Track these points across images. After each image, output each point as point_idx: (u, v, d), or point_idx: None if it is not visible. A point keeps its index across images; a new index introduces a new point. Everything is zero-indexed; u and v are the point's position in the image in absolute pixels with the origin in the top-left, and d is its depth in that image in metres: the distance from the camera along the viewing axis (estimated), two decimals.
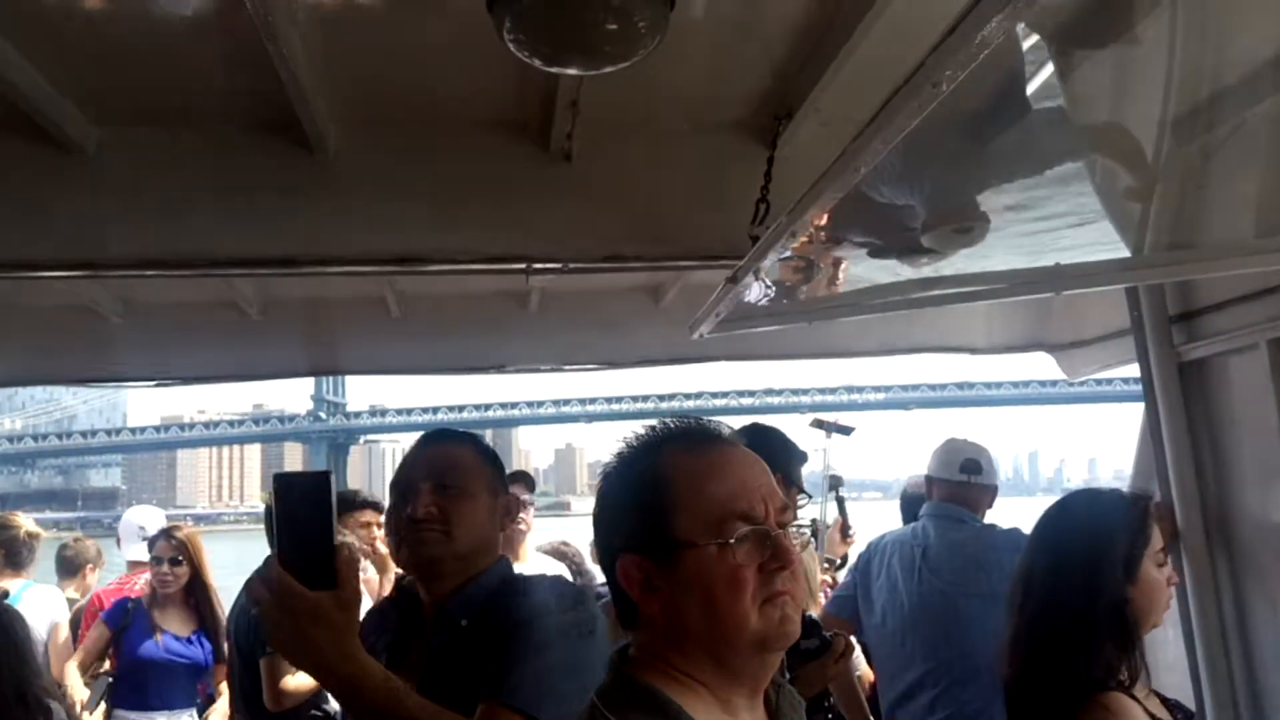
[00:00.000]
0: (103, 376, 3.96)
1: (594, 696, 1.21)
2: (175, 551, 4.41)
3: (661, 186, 2.56)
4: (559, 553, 4.93)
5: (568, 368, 4.18)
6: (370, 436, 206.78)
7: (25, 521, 4.76)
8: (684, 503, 1.17)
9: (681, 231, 2.55)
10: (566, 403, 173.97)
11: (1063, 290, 2.81)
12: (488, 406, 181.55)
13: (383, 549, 5.05)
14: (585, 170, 2.51)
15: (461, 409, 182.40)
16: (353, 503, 4.60)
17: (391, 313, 3.82)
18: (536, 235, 2.51)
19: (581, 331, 4.09)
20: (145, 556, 4.64)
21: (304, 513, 1.46)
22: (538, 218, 2.51)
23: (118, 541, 5.18)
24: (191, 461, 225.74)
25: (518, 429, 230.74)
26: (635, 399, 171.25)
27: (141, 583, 4.66)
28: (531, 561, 4.36)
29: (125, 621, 4.46)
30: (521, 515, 3.54)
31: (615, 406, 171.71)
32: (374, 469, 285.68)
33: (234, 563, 5.49)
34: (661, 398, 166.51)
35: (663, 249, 2.56)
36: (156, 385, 3.93)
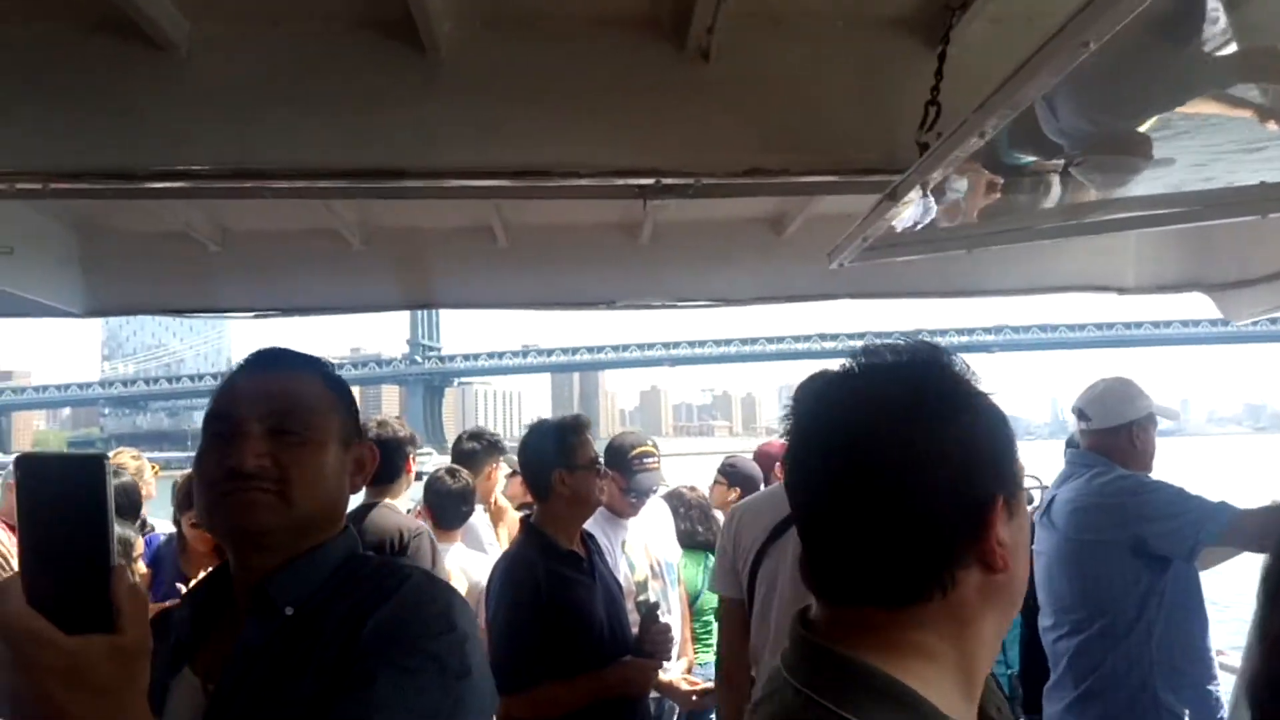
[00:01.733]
0: (201, 306, 3.83)
1: (796, 683, 0.96)
2: None
3: (811, 90, 2.25)
4: (679, 496, 4.68)
5: (680, 304, 3.92)
6: (464, 379, 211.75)
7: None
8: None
9: (833, 142, 2.24)
10: (650, 346, 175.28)
11: (1239, 216, 2.46)
12: (574, 350, 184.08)
13: (504, 502, 4.88)
14: (725, 71, 2.22)
15: (550, 352, 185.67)
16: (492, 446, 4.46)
17: (498, 243, 3.60)
18: (667, 146, 2.23)
19: (696, 265, 3.82)
20: None
21: (63, 518, 0.92)
22: (669, 126, 2.23)
23: None
24: None
25: (603, 372, 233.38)
26: (721, 342, 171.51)
27: None
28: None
29: None
30: (600, 484, 3.14)
31: (699, 350, 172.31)
32: (467, 410, 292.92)
33: None
34: (783, 339, 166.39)
35: (810, 161, 2.25)
36: (255, 316, 3.78)
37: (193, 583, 3.61)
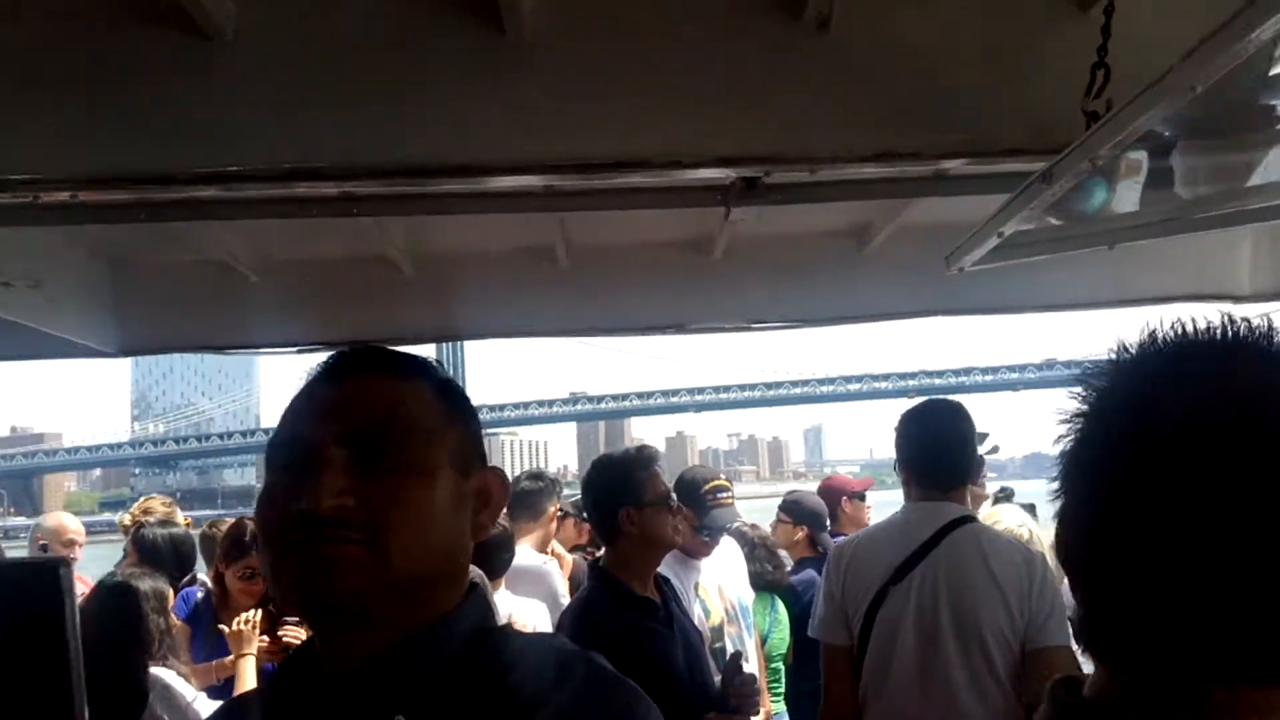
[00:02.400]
0: (240, 343, 3.55)
1: None
2: None
3: (945, 60, 1.96)
4: (742, 535, 4.37)
5: (755, 326, 3.61)
6: (490, 430, 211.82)
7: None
8: None
9: (971, 118, 1.94)
10: (675, 393, 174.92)
11: None
12: (599, 398, 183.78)
13: (560, 549, 4.53)
14: (846, 40, 1.92)
15: (575, 400, 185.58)
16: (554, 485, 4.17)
17: (558, 264, 3.32)
18: (781, 125, 1.94)
19: (773, 283, 3.51)
20: None
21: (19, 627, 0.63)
22: (783, 104, 1.94)
23: None
24: None
25: (629, 420, 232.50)
26: (746, 386, 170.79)
27: None
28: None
29: None
30: (673, 521, 2.87)
31: (723, 396, 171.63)
32: (494, 461, 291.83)
33: None
34: (808, 382, 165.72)
35: (947, 143, 1.95)
36: (298, 351, 3.50)
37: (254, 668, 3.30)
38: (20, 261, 2.74)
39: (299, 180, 1.93)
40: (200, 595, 3.98)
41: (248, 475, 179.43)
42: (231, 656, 3.42)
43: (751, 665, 3.71)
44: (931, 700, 2.58)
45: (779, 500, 5.08)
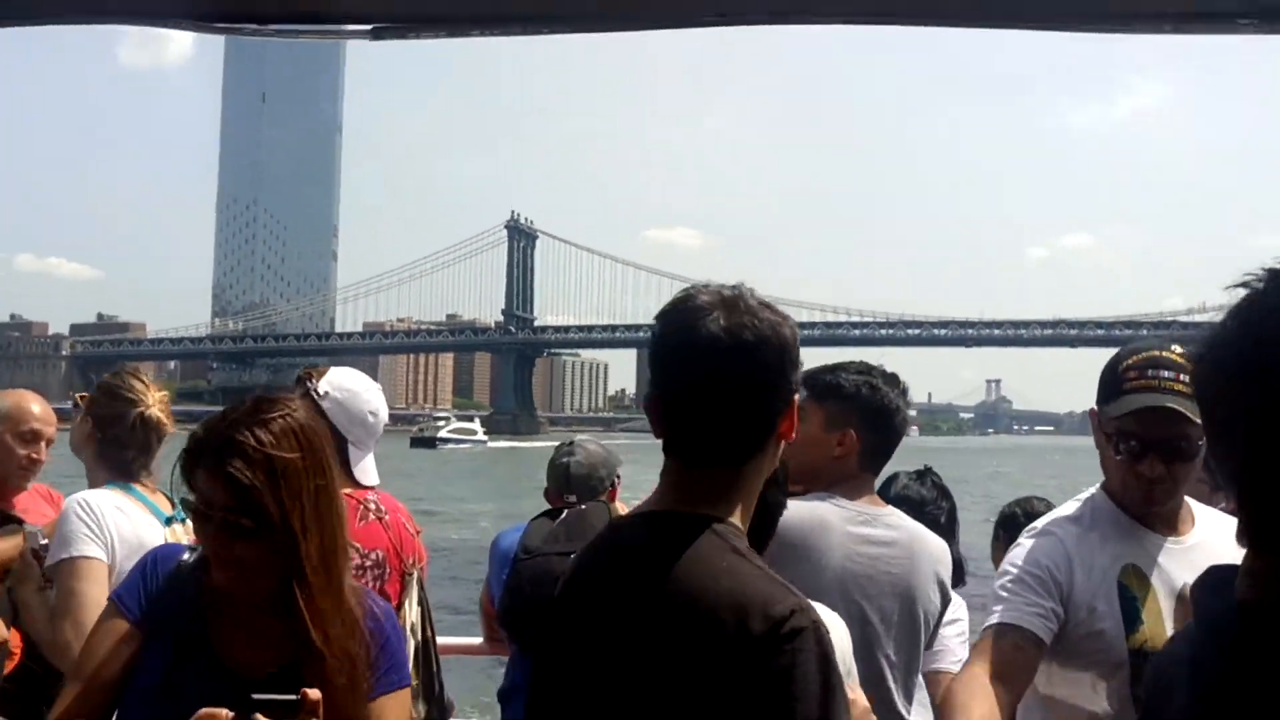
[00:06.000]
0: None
1: None
2: None
3: None
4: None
5: None
6: (553, 350, 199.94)
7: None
8: None
9: None
10: None
11: None
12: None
13: None
14: None
15: (638, 329, 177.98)
16: None
17: None
18: None
19: None
20: None
21: None
22: None
23: None
24: (391, 366, 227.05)
25: None
26: (804, 326, 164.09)
27: None
28: None
29: None
30: None
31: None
32: (555, 380, 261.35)
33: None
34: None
35: None
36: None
37: None
38: None
39: None
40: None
41: None
42: None
43: None
44: None
45: None
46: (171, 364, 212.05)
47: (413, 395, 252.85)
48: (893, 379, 2.38)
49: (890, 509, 2.39)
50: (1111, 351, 2.07)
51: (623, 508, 2.98)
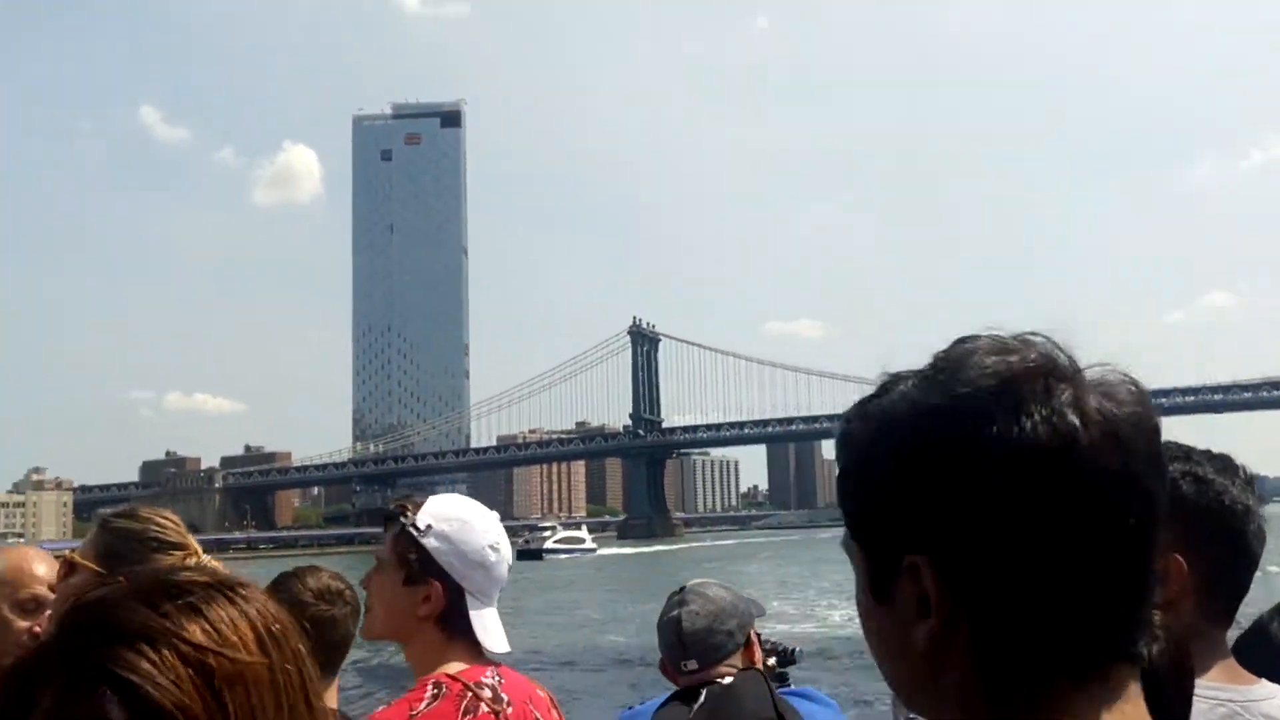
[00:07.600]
0: None
1: None
2: None
3: None
4: None
5: None
6: (682, 450, 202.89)
7: None
8: None
9: None
10: None
11: None
12: (790, 420, 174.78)
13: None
14: None
15: (765, 424, 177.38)
16: None
17: None
18: None
19: None
20: None
21: None
22: None
23: None
24: (526, 477, 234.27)
25: (821, 441, 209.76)
26: None
27: None
28: None
29: None
30: None
31: None
32: (686, 480, 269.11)
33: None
34: None
35: None
36: None
37: None
38: None
39: None
40: None
41: (459, 493, 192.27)
42: None
43: None
44: None
45: None
46: (315, 489, 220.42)
47: (547, 505, 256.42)
48: (1226, 464, 1.45)
49: (1269, 687, 1.39)
50: None
51: (757, 654, 2.45)
